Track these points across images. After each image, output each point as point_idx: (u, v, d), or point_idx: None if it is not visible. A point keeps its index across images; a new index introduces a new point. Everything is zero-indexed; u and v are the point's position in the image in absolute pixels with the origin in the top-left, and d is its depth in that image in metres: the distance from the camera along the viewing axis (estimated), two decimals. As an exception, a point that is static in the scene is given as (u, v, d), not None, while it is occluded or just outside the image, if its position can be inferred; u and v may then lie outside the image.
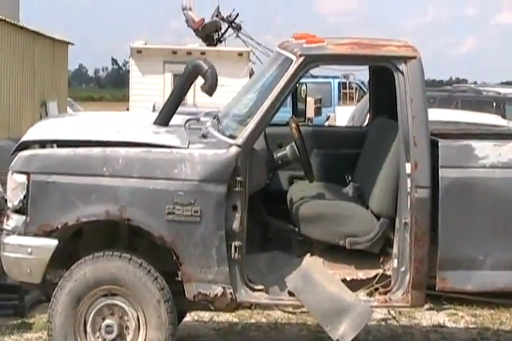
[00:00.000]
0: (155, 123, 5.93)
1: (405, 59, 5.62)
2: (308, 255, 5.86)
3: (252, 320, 7.78)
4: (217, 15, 20.35)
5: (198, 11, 20.06)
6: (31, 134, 6.06)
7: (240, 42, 20.83)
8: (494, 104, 12.57)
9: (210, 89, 5.77)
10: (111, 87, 41.39)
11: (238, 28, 20.73)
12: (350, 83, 21.58)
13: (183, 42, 18.46)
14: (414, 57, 5.59)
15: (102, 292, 5.57)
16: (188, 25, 19.87)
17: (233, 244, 5.48)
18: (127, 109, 18.90)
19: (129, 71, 19.62)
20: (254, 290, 5.59)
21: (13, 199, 5.63)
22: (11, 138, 7.94)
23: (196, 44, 18.78)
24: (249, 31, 21.43)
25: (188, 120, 6.27)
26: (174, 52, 17.49)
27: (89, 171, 5.55)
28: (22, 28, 10.25)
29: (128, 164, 5.53)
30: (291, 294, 5.64)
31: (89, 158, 5.61)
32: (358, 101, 18.18)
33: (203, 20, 19.45)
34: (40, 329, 7.07)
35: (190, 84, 5.96)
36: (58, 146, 5.83)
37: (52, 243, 5.52)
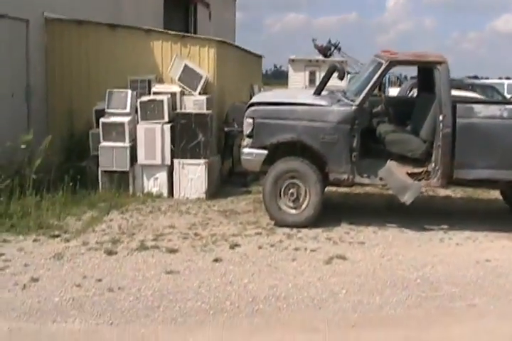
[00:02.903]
0: (314, 93, 8.47)
1: (440, 63, 7.92)
2: (389, 160, 8.22)
3: (357, 191, 10.48)
4: (329, 42, 33.78)
5: (320, 41, 33.87)
6: (253, 99, 8.64)
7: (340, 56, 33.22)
8: (470, 87, 17.21)
9: (341, 77, 8.35)
10: (273, 79, 57.96)
11: (339, 49, 33.51)
12: (393, 76, 30.64)
13: (313, 55, 32.23)
14: (445, 62, 7.94)
15: (288, 176, 8.03)
16: (315, 47, 33.63)
17: (353, 154, 7.92)
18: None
19: (287, 70, 34.71)
20: (362, 177, 8.12)
21: (247, 130, 8.18)
22: (241, 101, 10.53)
23: (320, 56, 32.16)
24: (344, 49, 33.91)
25: (330, 92, 8.75)
26: (309, 61, 31.51)
27: (283, 117, 8.01)
28: (240, 48, 13.46)
29: (302, 114, 7.98)
30: (381, 179, 8.11)
31: (282, 110, 8.07)
32: (399, 85, 24.69)
33: (323, 45, 33.19)
34: (254, 193, 9.94)
35: (331, 75, 8.51)
36: (267, 105, 8.29)
37: (265, 152, 8.08)
